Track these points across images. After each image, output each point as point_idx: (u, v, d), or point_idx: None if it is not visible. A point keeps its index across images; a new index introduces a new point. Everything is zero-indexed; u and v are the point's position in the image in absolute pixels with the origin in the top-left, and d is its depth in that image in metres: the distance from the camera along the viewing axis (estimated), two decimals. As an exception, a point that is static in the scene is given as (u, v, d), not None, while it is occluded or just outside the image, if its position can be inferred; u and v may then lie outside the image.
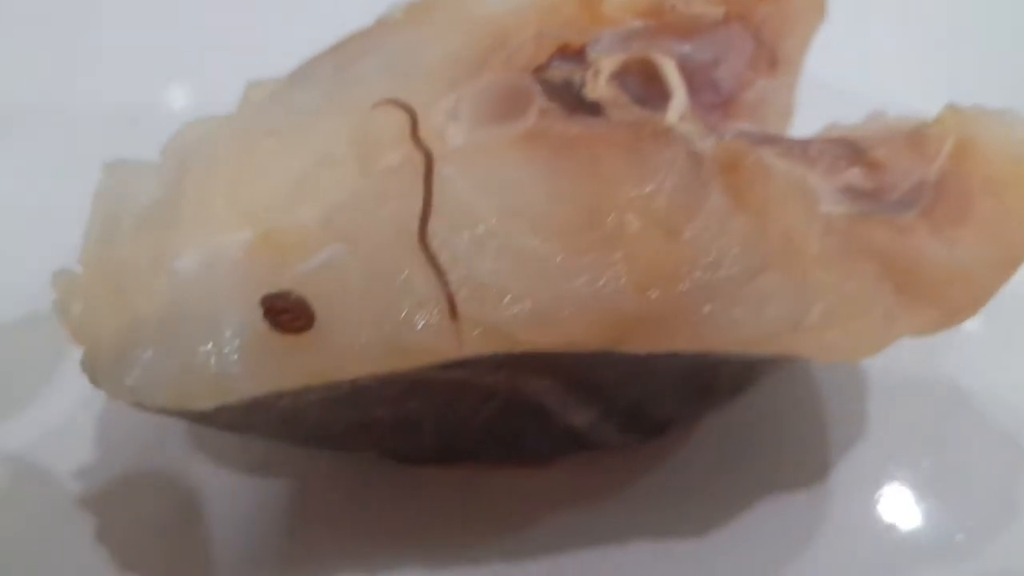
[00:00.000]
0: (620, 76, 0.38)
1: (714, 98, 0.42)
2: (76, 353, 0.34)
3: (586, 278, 0.31)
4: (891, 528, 0.43)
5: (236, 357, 0.32)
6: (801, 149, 0.39)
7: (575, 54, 0.39)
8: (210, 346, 0.32)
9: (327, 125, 0.37)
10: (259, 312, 0.31)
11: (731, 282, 0.32)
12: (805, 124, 0.47)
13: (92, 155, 0.39)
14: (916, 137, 0.39)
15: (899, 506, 0.44)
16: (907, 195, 0.38)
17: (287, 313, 0.31)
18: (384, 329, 0.31)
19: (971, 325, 0.39)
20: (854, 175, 0.39)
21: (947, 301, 0.35)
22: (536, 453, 0.42)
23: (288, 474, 0.43)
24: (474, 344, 0.31)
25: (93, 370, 0.33)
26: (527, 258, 0.31)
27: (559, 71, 0.38)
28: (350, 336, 0.31)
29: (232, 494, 0.43)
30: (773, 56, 0.44)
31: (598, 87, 0.38)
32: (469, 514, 0.42)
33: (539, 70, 0.37)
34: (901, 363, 0.48)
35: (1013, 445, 0.46)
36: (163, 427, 0.44)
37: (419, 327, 0.31)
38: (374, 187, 0.34)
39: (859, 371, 0.49)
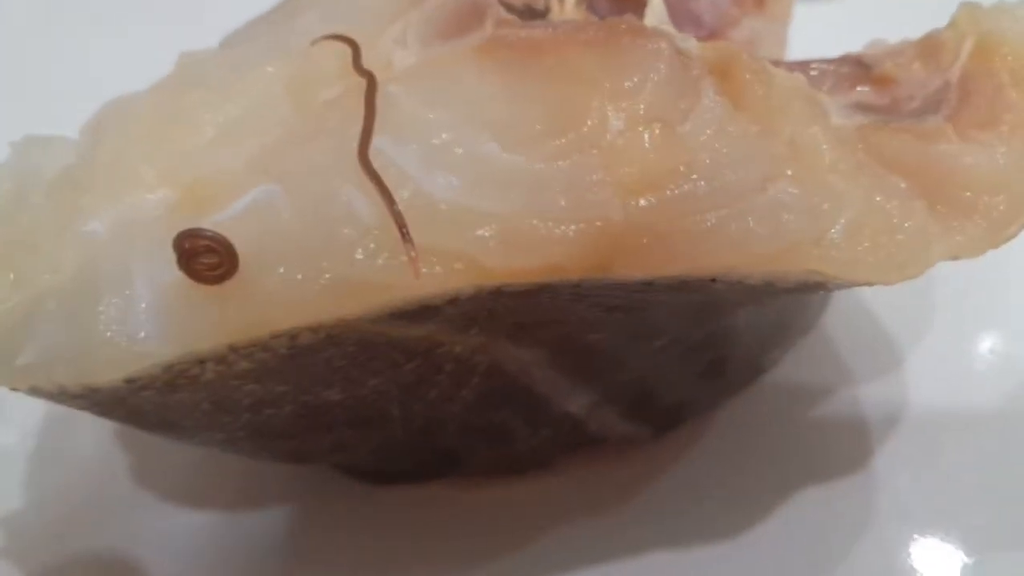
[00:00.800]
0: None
1: (697, 32, 0.38)
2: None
3: (563, 187, 0.26)
4: (933, 523, 0.37)
5: (145, 317, 0.26)
6: (801, 71, 0.34)
7: (539, -21, 0.34)
8: (116, 305, 0.26)
9: (262, 72, 0.32)
10: (175, 268, 0.26)
11: (738, 187, 0.27)
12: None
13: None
14: (928, 45, 0.34)
15: (945, 503, 0.37)
16: (928, 102, 0.33)
17: (206, 255, 0.26)
18: (321, 267, 0.25)
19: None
20: (863, 93, 0.34)
21: (988, 214, 0.30)
22: (530, 453, 0.36)
23: (257, 505, 0.37)
24: (433, 277, 0.25)
25: (-18, 355, 0.28)
26: (490, 168, 0.26)
27: (519, -2, 0.33)
28: (282, 278, 0.26)
29: (189, 535, 0.37)
30: (759, -8, 0.40)
31: (565, 10, 0.33)
32: (453, 537, 0.36)
33: (496, -2, 0.33)
34: (935, 340, 0.43)
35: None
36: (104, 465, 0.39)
37: (363, 258, 0.25)
38: (310, 121, 0.29)
39: (893, 349, 0.43)
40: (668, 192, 0.26)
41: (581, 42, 0.28)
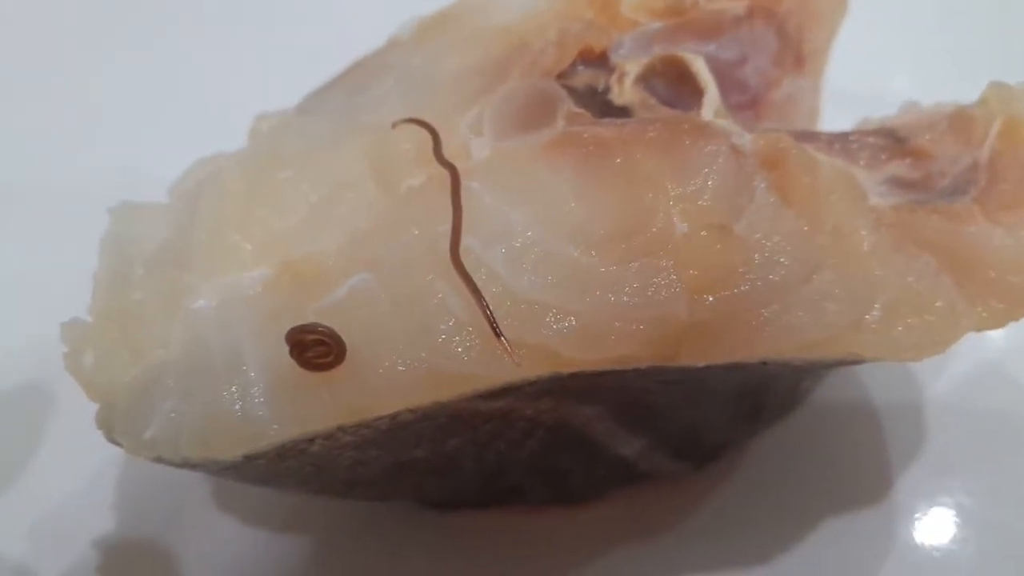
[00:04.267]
0: (645, 79, 0.36)
1: (742, 98, 0.40)
2: (86, 416, 0.32)
3: (634, 286, 0.29)
4: (961, 548, 0.40)
5: (262, 399, 0.29)
6: (841, 143, 0.37)
7: (597, 59, 0.37)
8: (233, 390, 0.29)
9: (343, 151, 0.35)
10: (284, 349, 0.29)
11: (787, 282, 0.30)
12: (831, 125, 0.45)
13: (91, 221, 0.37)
14: (960, 120, 0.37)
15: (968, 524, 0.41)
16: (958, 181, 0.35)
17: (316, 347, 0.29)
18: (421, 357, 0.29)
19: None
20: (898, 166, 0.37)
21: (1011, 292, 0.33)
22: (584, 488, 0.40)
23: (317, 530, 0.40)
24: (519, 367, 0.28)
25: (109, 425, 0.31)
26: (568, 269, 0.29)
27: (582, 77, 0.36)
28: (385, 367, 0.29)
29: (262, 556, 0.40)
30: (799, 52, 0.42)
31: (624, 91, 0.36)
32: (513, 560, 0.40)
33: (562, 76, 0.35)
34: (957, 368, 0.46)
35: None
36: (182, 489, 0.42)
37: (459, 351, 0.28)
38: (397, 209, 0.32)
39: (911, 378, 0.46)
40: (727, 292, 0.29)
41: (646, 141, 0.31)
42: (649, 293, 0.29)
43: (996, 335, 0.46)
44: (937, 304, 0.33)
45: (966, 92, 0.38)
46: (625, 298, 0.29)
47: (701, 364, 0.30)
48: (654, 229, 0.30)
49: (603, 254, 0.29)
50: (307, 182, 0.34)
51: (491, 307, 0.28)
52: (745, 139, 0.32)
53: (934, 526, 0.41)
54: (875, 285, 0.32)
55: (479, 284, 0.29)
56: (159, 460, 0.30)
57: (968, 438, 0.44)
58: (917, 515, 0.41)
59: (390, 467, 0.34)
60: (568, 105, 0.33)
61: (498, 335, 0.28)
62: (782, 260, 0.30)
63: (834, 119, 0.45)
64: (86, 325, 0.33)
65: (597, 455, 0.37)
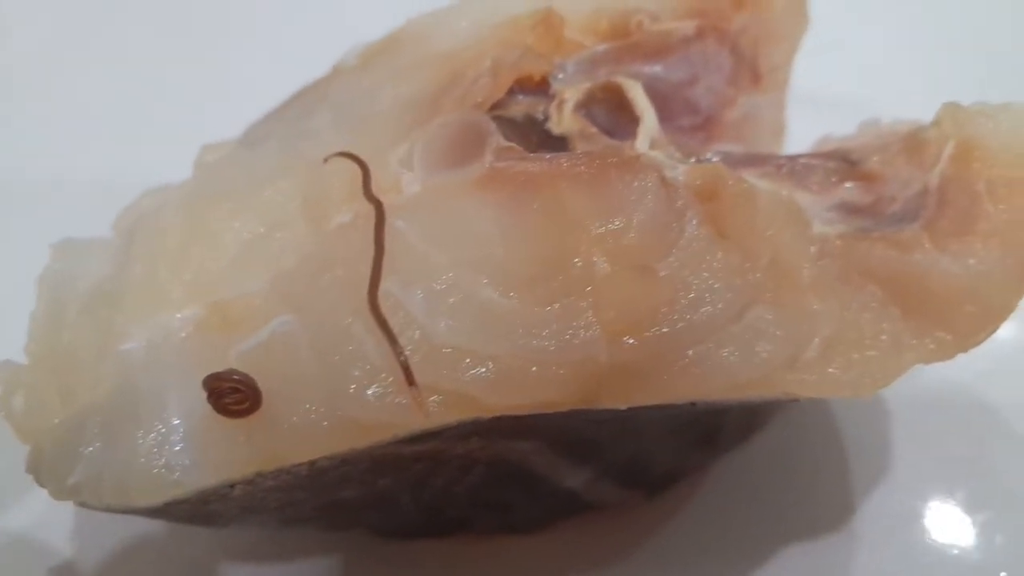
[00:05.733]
0: (587, 106, 0.36)
1: (693, 120, 0.39)
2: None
3: (553, 330, 0.28)
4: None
5: (181, 446, 0.29)
6: (789, 167, 0.36)
7: (538, 86, 0.36)
8: (153, 436, 0.29)
9: (277, 187, 0.34)
10: (204, 395, 0.29)
11: (716, 320, 0.29)
12: (799, 138, 0.44)
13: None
14: (913, 142, 0.36)
15: (935, 548, 0.40)
16: (908, 206, 0.34)
17: (232, 394, 0.28)
18: (335, 404, 0.28)
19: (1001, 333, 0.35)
20: (848, 190, 0.36)
21: (960, 322, 0.32)
22: (532, 519, 0.39)
23: (265, 559, 0.40)
24: (435, 413, 0.28)
25: (37, 469, 0.31)
26: (487, 313, 0.28)
27: (520, 105, 0.35)
28: (300, 415, 0.28)
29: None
30: (755, 70, 0.41)
31: (563, 120, 0.35)
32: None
33: (497, 106, 0.34)
34: (923, 383, 0.45)
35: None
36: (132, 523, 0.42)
37: (372, 399, 0.28)
38: (323, 248, 0.32)
39: (878, 397, 0.45)
40: (649, 333, 0.29)
41: (572, 177, 0.30)
42: (567, 336, 0.28)
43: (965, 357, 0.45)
44: (879, 338, 0.32)
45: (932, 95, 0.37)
46: (544, 342, 0.28)
47: (624, 406, 0.29)
48: (575, 270, 0.29)
49: (523, 296, 0.29)
50: (240, 220, 0.34)
51: (407, 352, 0.28)
52: (678, 171, 0.32)
53: (899, 556, 0.40)
54: (813, 320, 0.31)
55: (397, 328, 0.28)
56: (84, 506, 0.30)
57: (936, 463, 0.43)
58: (881, 544, 0.41)
59: (322, 507, 0.33)
60: (497, 139, 0.32)
61: (410, 383, 0.27)
62: (711, 297, 0.29)
63: (801, 128, 0.44)
64: (19, 367, 0.33)
65: (541, 487, 0.37)
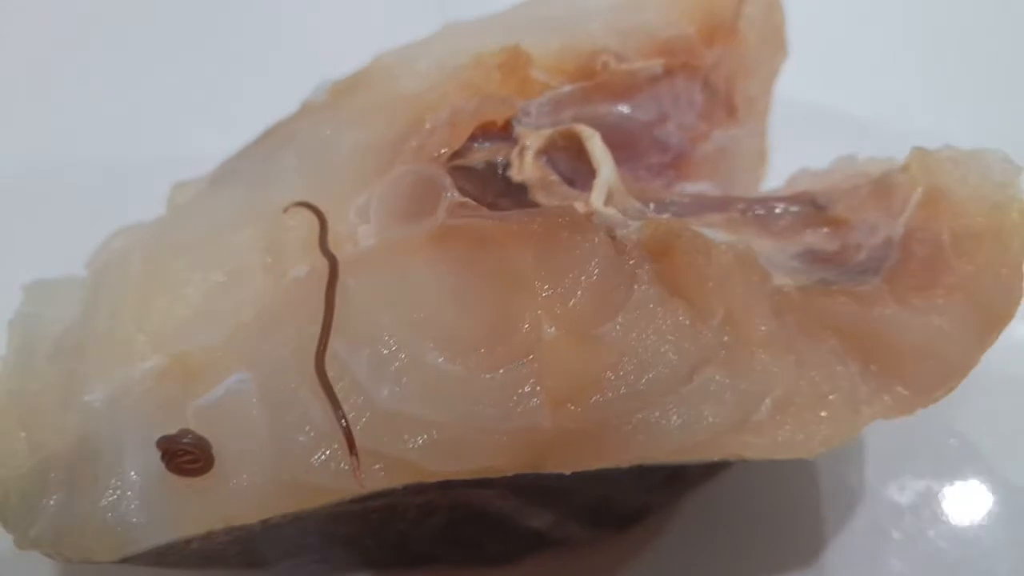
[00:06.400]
0: (548, 152, 0.35)
1: (662, 158, 0.39)
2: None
3: (497, 397, 0.28)
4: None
5: (137, 503, 0.30)
6: (755, 211, 0.36)
7: (501, 130, 0.36)
8: (110, 492, 0.30)
9: (240, 235, 0.35)
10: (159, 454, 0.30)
11: (662, 384, 0.29)
12: (786, 153, 0.44)
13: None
14: (882, 186, 0.35)
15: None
16: (872, 256, 0.34)
17: (185, 455, 0.29)
18: (282, 468, 0.29)
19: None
20: (815, 236, 0.35)
21: (918, 378, 0.32)
22: (500, 554, 0.40)
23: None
24: (377, 480, 0.28)
25: (3, 516, 0.32)
26: (431, 379, 0.29)
27: (481, 152, 0.35)
28: (249, 476, 0.29)
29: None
30: (730, 103, 0.41)
31: (524, 167, 0.35)
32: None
33: (458, 154, 0.34)
34: (895, 430, 0.44)
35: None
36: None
37: (317, 465, 0.28)
38: (278, 303, 0.32)
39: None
40: (593, 398, 0.29)
41: (523, 236, 0.30)
42: (511, 404, 0.28)
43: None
44: (833, 397, 0.32)
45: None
46: (487, 409, 0.28)
47: (569, 471, 0.29)
48: (520, 335, 0.29)
49: (468, 362, 0.29)
50: (202, 270, 0.34)
51: (351, 418, 0.28)
52: (631, 228, 0.31)
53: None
54: (765, 380, 0.31)
55: (342, 393, 0.29)
56: (47, 555, 0.31)
57: (909, 500, 0.43)
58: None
59: (284, 553, 0.34)
60: (452, 194, 0.32)
61: (351, 450, 0.28)
62: (657, 361, 0.29)
63: (789, 143, 0.43)
64: (-12, 412, 0.34)
65: (506, 527, 0.37)
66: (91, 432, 0.32)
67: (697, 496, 0.42)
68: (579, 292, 0.30)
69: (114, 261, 0.36)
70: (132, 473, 0.30)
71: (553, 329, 0.29)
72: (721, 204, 0.36)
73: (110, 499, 0.30)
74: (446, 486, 0.32)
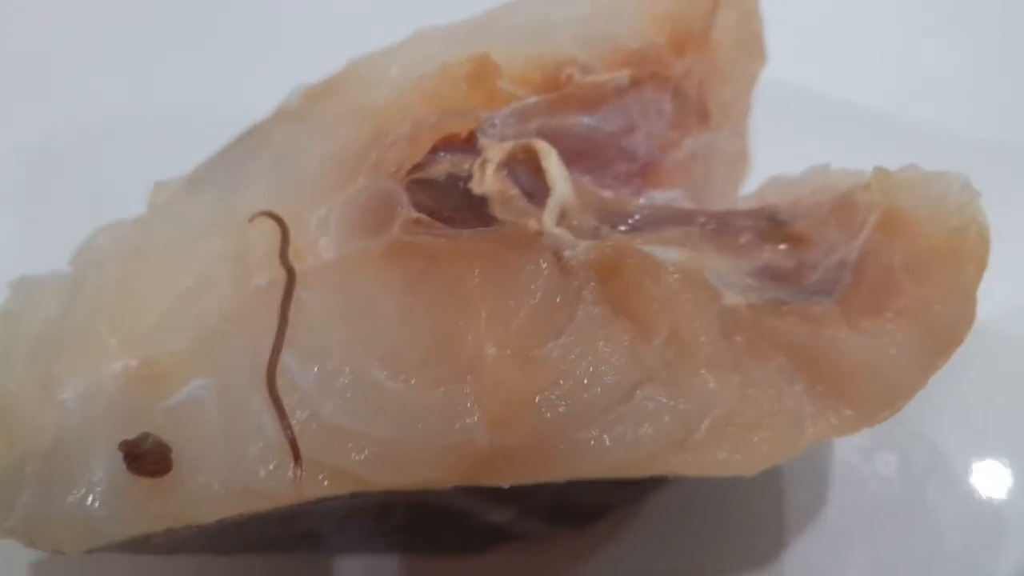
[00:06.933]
0: (509, 165, 0.36)
1: (630, 167, 0.39)
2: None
3: (436, 415, 0.30)
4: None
5: (101, 500, 0.31)
6: (713, 226, 0.36)
7: (465, 142, 0.36)
8: (79, 492, 0.32)
9: (210, 242, 0.36)
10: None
11: (599, 403, 0.30)
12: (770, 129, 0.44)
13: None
14: (843, 204, 0.35)
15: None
16: (826, 276, 0.34)
17: (145, 457, 0.31)
18: (234, 473, 0.30)
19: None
20: (772, 253, 0.36)
21: (864, 400, 0.32)
22: (461, 546, 0.41)
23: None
24: (319, 488, 0.30)
25: (-20, 507, 0.34)
26: (374, 395, 0.30)
27: (443, 165, 0.36)
28: (205, 479, 0.31)
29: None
30: (703, 109, 0.41)
31: (485, 180, 0.35)
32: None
33: (419, 167, 0.35)
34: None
35: (992, 515, 0.42)
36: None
37: (263, 473, 0.30)
38: (240, 311, 0.33)
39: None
40: (530, 419, 0.30)
41: (472, 255, 0.31)
42: (449, 421, 0.29)
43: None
44: (776, 417, 0.32)
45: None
46: (427, 426, 0.30)
47: (508, 484, 0.30)
48: (463, 355, 0.30)
49: (411, 379, 0.30)
50: (173, 276, 0.35)
51: (298, 429, 0.30)
52: (579, 249, 0.32)
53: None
54: (706, 400, 0.32)
55: (290, 405, 0.30)
56: (24, 545, 0.33)
57: (874, 500, 0.43)
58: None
59: (247, 546, 0.36)
60: (407, 210, 0.33)
61: (295, 461, 0.29)
62: (594, 381, 0.30)
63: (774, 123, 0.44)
64: (-31, 407, 0.36)
65: (466, 522, 0.38)
66: (64, 430, 0.34)
67: (663, 492, 0.43)
68: (521, 313, 0.30)
69: (94, 260, 0.38)
70: (99, 471, 0.32)
71: (495, 350, 0.30)
72: (682, 218, 0.36)
73: (77, 496, 0.32)
74: (395, 493, 0.33)
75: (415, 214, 0.33)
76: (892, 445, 0.44)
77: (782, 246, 0.36)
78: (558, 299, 0.31)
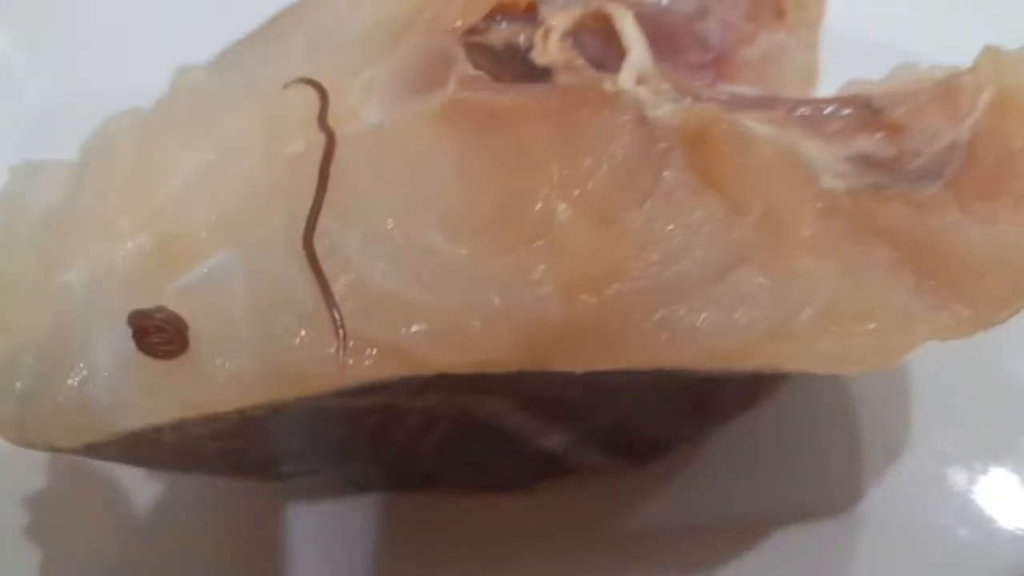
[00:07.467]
0: (575, 34, 0.32)
1: (702, 56, 0.35)
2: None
3: (501, 283, 0.25)
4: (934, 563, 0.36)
5: (104, 387, 0.27)
6: (803, 112, 0.32)
7: (524, 12, 0.33)
8: (75, 373, 0.27)
9: (239, 113, 0.32)
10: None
11: (691, 280, 0.26)
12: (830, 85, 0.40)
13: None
14: (946, 90, 0.31)
15: (945, 538, 0.37)
16: (933, 162, 0.30)
17: (158, 334, 0.26)
18: (263, 351, 0.26)
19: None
20: (868, 141, 0.32)
21: (982, 296, 0.28)
22: (508, 478, 0.37)
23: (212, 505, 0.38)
24: (366, 368, 0.25)
25: (-30, 403, 0.29)
26: (430, 260, 0.26)
27: (501, 32, 0.32)
28: (226, 360, 0.26)
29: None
30: (778, 5, 0.37)
31: (548, 49, 0.32)
32: (430, 550, 0.37)
33: (475, 32, 0.31)
34: (952, 355, 0.41)
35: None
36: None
37: (300, 348, 0.25)
38: (271, 180, 0.29)
39: (901, 369, 0.41)
40: (611, 289, 0.25)
41: (540, 112, 0.27)
42: (518, 291, 0.25)
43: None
44: (884, 309, 0.28)
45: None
46: (490, 295, 0.25)
47: (581, 371, 0.26)
48: (532, 216, 0.26)
49: (472, 244, 0.26)
50: (195, 148, 0.31)
51: (340, 298, 0.25)
52: (664, 110, 0.28)
53: (907, 544, 0.37)
54: (808, 285, 0.27)
55: (331, 271, 0.26)
56: (12, 442, 0.29)
57: (959, 444, 0.39)
58: (889, 530, 0.37)
59: (267, 457, 0.31)
60: (464, 67, 0.29)
61: (338, 332, 0.25)
62: (686, 254, 0.26)
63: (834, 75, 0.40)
64: (-38, 294, 0.31)
65: (515, 447, 0.34)
66: (65, 314, 0.29)
67: (725, 433, 0.39)
68: (600, 173, 0.26)
69: (106, 141, 0.33)
70: (102, 354, 0.28)
71: (569, 213, 0.26)
72: (765, 103, 0.33)
73: (76, 380, 0.27)
74: (449, 388, 0.29)
75: (473, 71, 0.29)
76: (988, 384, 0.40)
77: (878, 134, 0.32)
78: (641, 161, 0.27)
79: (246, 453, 0.31)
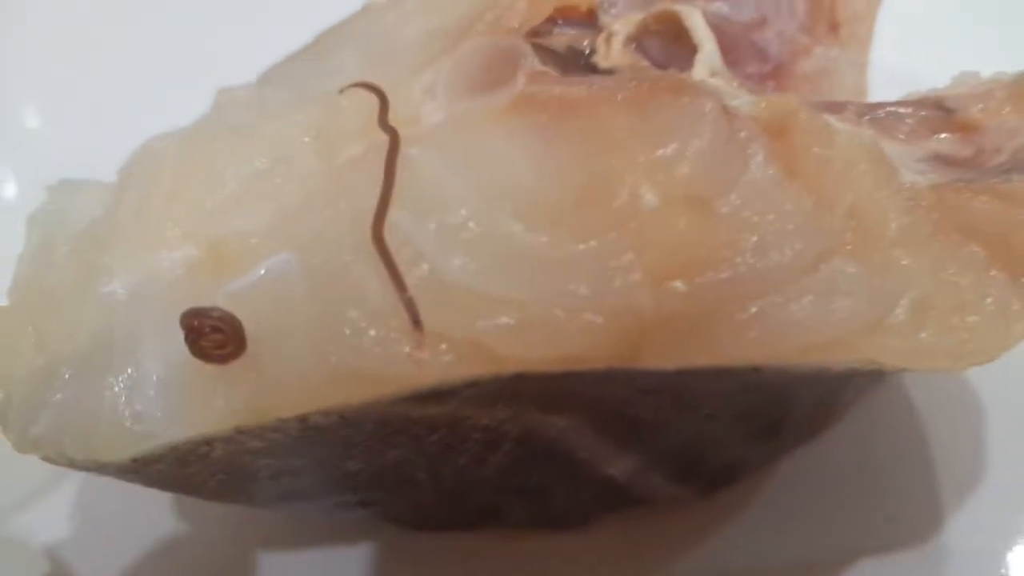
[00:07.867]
0: (639, 39, 0.31)
1: (761, 67, 0.35)
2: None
3: (587, 271, 0.24)
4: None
5: (153, 394, 0.25)
6: (872, 115, 0.31)
7: (584, 18, 0.32)
8: (123, 383, 0.25)
9: (289, 119, 0.31)
10: (182, 338, 0.25)
11: (786, 270, 0.25)
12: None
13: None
14: (1022, 87, 0.31)
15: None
16: (1018, 157, 0.29)
17: (213, 335, 0.25)
18: (328, 350, 0.24)
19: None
20: (942, 141, 0.31)
21: (1085, 287, 0.27)
22: (569, 511, 0.34)
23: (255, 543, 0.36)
24: (443, 366, 0.23)
25: (4, 418, 0.27)
26: (509, 250, 0.24)
27: (562, 37, 0.31)
28: (287, 362, 0.24)
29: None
30: (833, 18, 0.37)
31: (611, 53, 0.31)
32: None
33: (536, 35, 0.30)
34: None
35: None
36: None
37: (370, 345, 0.24)
38: (330, 183, 0.28)
39: (975, 391, 0.39)
40: (704, 278, 0.24)
41: (618, 101, 0.26)
42: (604, 279, 0.24)
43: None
44: (984, 302, 0.26)
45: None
46: (575, 286, 0.24)
47: (672, 367, 0.24)
48: (616, 203, 0.24)
49: (553, 231, 0.24)
50: (243, 154, 0.30)
51: (413, 292, 0.24)
52: (743, 100, 0.27)
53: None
54: (902, 277, 0.26)
55: (403, 264, 0.24)
56: (48, 460, 0.27)
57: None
58: (971, 567, 0.35)
59: (323, 480, 0.29)
60: (532, 62, 0.28)
61: (415, 327, 0.23)
62: (781, 243, 0.25)
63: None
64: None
65: (579, 473, 0.32)
66: (108, 325, 0.28)
67: (793, 462, 0.37)
68: (687, 158, 0.25)
69: (146, 156, 0.32)
70: (151, 360, 0.26)
71: (656, 197, 0.25)
72: (833, 107, 0.31)
73: (121, 389, 0.25)
74: (518, 400, 0.27)
75: (540, 67, 0.28)
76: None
77: (953, 135, 0.31)
78: (727, 146, 0.25)
79: (300, 475, 0.29)
